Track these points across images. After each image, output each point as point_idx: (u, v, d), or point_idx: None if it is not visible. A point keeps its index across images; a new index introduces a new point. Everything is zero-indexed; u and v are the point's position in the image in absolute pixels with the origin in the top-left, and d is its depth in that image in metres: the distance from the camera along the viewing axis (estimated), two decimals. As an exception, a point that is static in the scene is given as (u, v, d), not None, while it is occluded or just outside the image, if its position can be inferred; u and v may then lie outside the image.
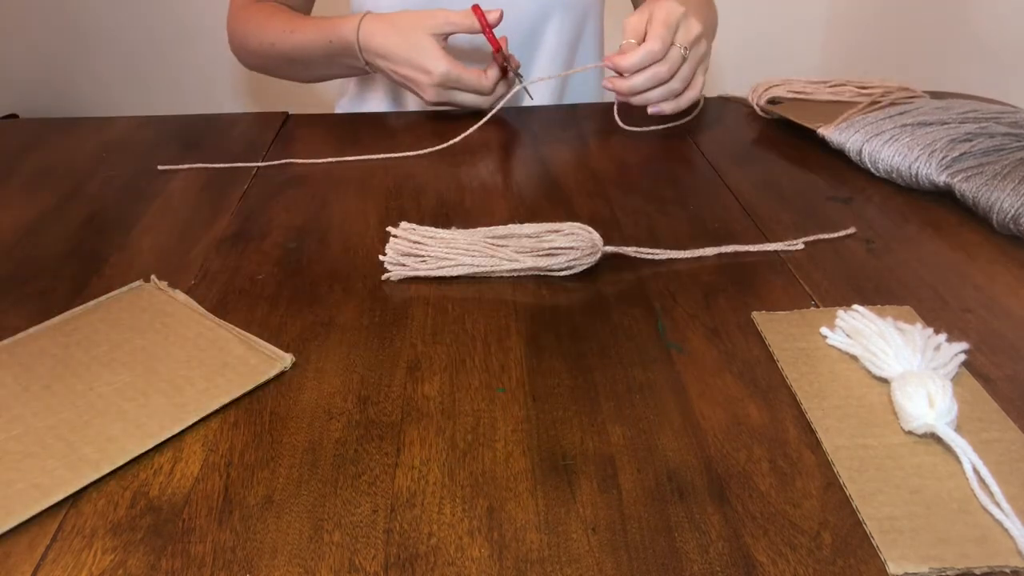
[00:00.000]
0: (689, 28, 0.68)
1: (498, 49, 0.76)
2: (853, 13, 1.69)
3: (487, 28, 0.74)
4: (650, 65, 0.67)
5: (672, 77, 0.68)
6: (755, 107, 0.79)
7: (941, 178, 0.60)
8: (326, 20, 0.80)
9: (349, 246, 0.57)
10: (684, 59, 0.68)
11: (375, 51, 0.77)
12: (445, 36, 0.75)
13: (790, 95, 0.78)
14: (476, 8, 0.74)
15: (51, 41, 1.82)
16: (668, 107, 0.70)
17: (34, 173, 0.71)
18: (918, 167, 0.62)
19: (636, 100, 0.70)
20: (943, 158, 0.61)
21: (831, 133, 0.69)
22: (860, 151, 0.66)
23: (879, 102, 0.73)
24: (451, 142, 0.73)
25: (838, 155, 0.69)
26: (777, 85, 0.79)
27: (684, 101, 0.71)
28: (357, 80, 0.98)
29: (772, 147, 0.73)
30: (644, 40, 0.67)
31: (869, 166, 0.66)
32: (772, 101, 0.78)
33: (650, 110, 0.71)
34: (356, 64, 0.80)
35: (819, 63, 1.81)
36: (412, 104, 0.91)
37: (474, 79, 0.75)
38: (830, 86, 0.78)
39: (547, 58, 0.89)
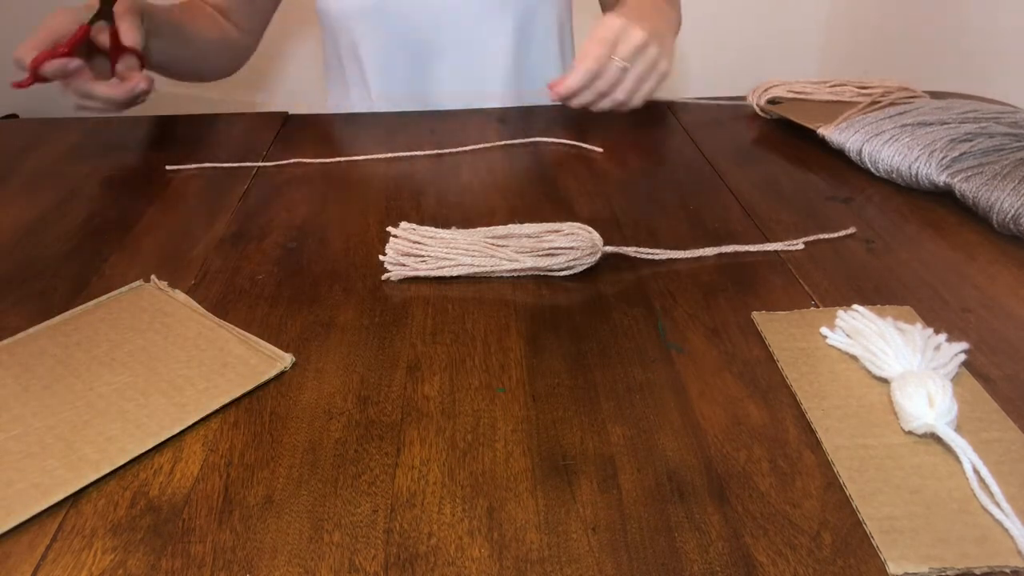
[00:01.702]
0: (629, 39, 0.69)
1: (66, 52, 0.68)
2: (853, 12, 1.69)
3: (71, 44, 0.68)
4: (591, 82, 0.70)
5: (613, 89, 0.71)
6: (755, 107, 0.79)
7: (941, 178, 0.60)
8: None
9: (349, 246, 0.57)
10: (624, 70, 0.70)
11: None
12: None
13: (790, 95, 0.78)
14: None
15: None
16: (617, 107, 0.73)
17: (34, 173, 0.71)
18: (918, 167, 0.62)
19: (580, 107, 0.73)
20: (943, 158, 0.61)
21: (831, 133, 0.69)
22: (860, 151, 0.66)
23: (879, 102, 0.73)
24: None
25: (838, 155, 0.69)
26: (777, 85, 0.80)
27: (630, 108, 0.73)
28: (332, 77, 0.98)
29: (772, 147, 0.73)
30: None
31: (869, 166, 0.66)
32: (772, 101, 0.78)
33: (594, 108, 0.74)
34: None
35: (818, 64, 1.81)
36: (374, 95, 0.92)
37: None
38: (830, 86, 0.78)
39: (492, 65, 0.90)
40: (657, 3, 0.82)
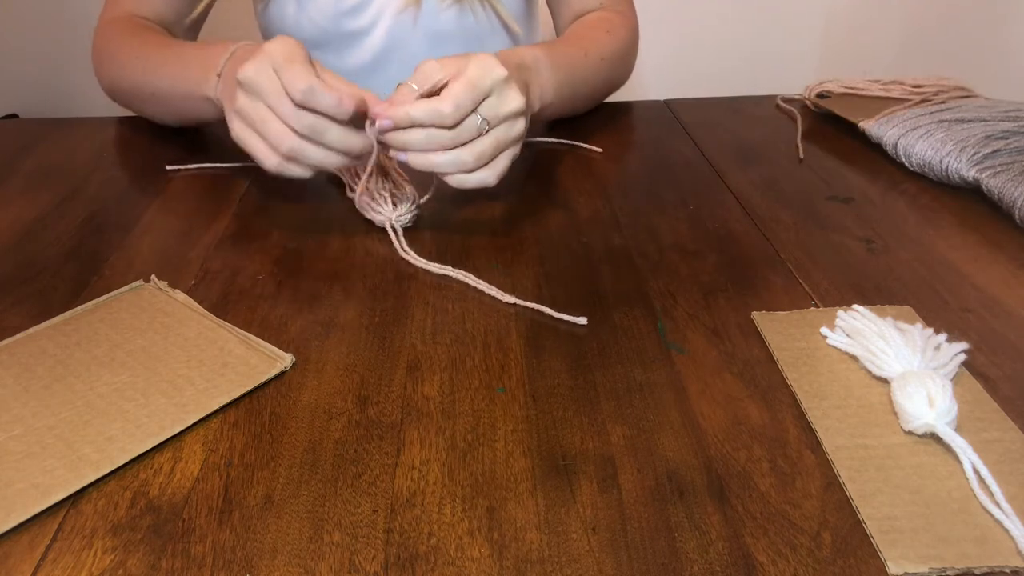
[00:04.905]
0: (504, 100, 0.53)
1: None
2: (853, 13, 1.69)
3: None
4: (431, 125, 0.52)
5: (459, 147, 0.53)
6: (807, 102, 0.81)
7: (970, 173, 0.61)
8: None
9: (349, 246, 0.57)
10: (482, 133, 0.53)
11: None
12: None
13: (842, 90, 0.80)
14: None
15: (51, 41, 1.82)
16: (452, 181, 0.55)
17: (34, 173, 0.71)
18: (948, 161, 0.62)
19: (415, 162, 0.54)
20: (974, 154, 0.61)
21: (871, 127, 0.70)
22: (896, 144, 0.67)
23: (930, 100, 0.74)
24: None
25: (837, 155, 0.69)
26: (831, 81, 0.82)
27: (472, 180, 0.55)
28: None
29: (772, 147, 0.73)
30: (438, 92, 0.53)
31: (903, 159, 0.67)
32: (822, 96, 0.80)
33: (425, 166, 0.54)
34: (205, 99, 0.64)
35: (818, 63, 1.82)
36: None
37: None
38: (882, 84, 0.80)
39: None
40: (581, 51, 0.73)
